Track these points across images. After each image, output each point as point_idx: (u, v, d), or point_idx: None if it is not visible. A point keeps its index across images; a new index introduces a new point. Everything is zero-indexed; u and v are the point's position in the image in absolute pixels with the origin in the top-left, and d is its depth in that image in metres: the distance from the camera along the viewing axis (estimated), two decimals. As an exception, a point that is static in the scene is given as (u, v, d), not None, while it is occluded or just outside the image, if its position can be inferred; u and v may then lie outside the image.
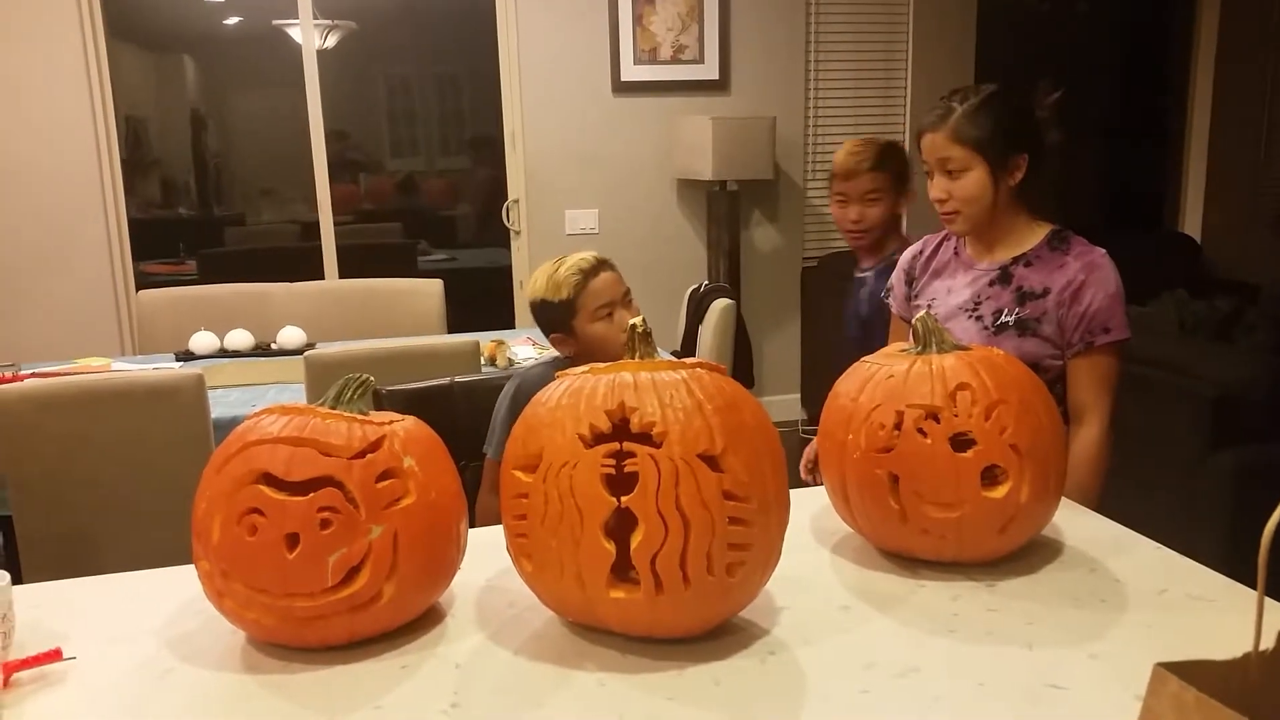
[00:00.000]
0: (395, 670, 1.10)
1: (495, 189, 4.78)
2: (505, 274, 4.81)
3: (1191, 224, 5.48)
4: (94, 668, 1.11)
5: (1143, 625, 1.16)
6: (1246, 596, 1.21)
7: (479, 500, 1.91)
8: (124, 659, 1.14)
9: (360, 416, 1.15)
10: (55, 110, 4.09)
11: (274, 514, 1.06)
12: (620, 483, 1.06)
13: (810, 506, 1.52)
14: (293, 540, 1.06)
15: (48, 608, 1.25)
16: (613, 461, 1.06)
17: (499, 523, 1.70)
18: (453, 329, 3.85)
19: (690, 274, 4.62)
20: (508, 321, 4.72)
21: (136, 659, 1.14)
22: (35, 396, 2.32)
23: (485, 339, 3.28)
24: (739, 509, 1.07)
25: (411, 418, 1.22)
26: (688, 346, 3.38)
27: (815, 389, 4.98)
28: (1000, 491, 1.24)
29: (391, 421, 1.16)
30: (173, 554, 2.57)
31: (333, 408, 1.17)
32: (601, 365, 1.15)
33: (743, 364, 3.37)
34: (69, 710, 1.04)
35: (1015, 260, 1.74)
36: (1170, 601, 1.21)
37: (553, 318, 1.86)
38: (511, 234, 4.71)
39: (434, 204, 5.68)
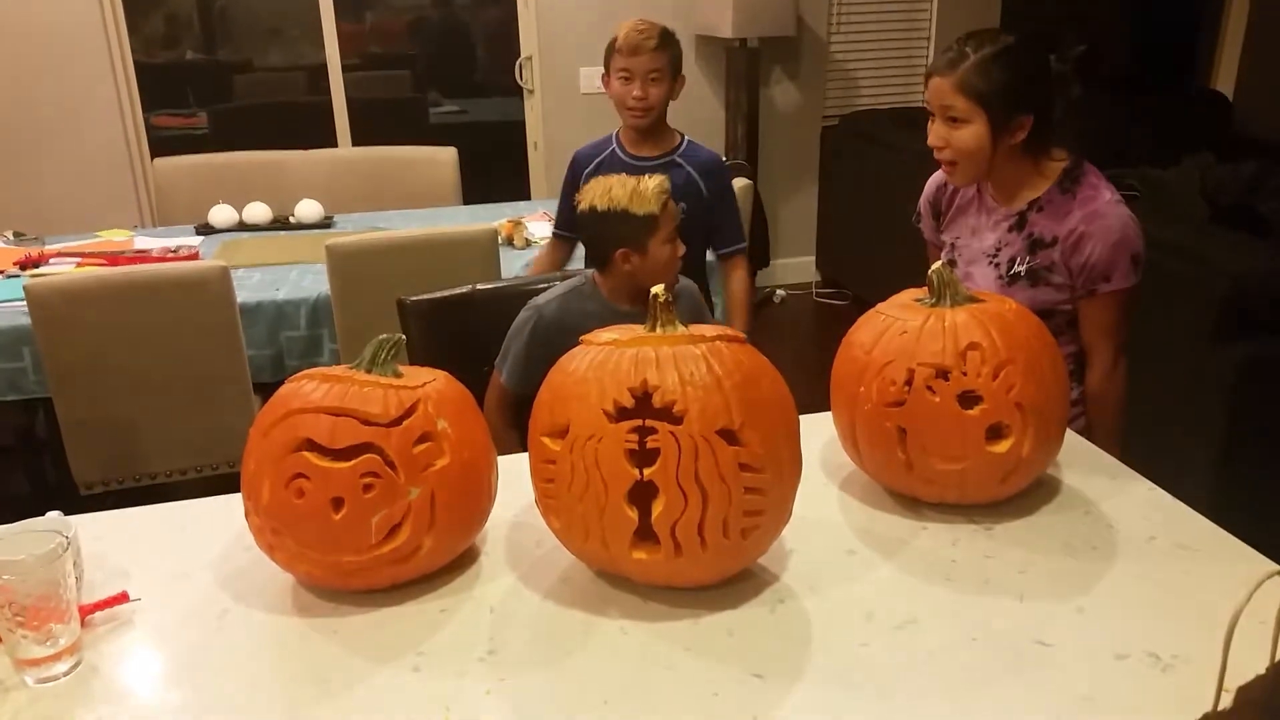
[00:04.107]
0: (435, 614, 1.20)
1: (506, 30, 4.64)
2: (518, 129, 4.74)
3: (1225, 80, 5.31)
4: (157, 608, 1.21)
5: (1130, 577, 1.24)
6: (1230, 546, 1.29)
7: (485, 415, 1.93)
8: (184, 598, 1.23)
9: (395, 381, 1.20)
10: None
11: (319, 479, 1.14)
12: (643, 454, 1.12)
13: (820, 436, 1.58)
14: (338, 503, 1.14)
15: (108, 540, 1.35)
16: (636, 436, 1.11)
17: (506, 443, 1.77)
18: (468, 196, 3.85)
19: (708, 136, 4.54)
20: (521, 189, 4.69)
21: (195, 598, 1.23)
22: (67, 289, 2.37)
23: (501, 217, 3.29)
24: (754, 479, 1.13)
25: (443, 375, 1.27)
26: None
27: (831, 251, 4.98)
28: (1003, 446, 1.30)
29: (424, 384, 1.22)
30: (204, 436, 2.69)
31: (368, 370, 1.22)
32: (625, 338, 1.19)
33: (759, 243, 3.38)
34: (141, 652, 1.14)
35: (1030, 205, 1.73)
36: (1158, 550, 1.29)
37: (628, 230, 1.79)
38: (525, 93, 4.62)
39: (443, 47, 5.51)
